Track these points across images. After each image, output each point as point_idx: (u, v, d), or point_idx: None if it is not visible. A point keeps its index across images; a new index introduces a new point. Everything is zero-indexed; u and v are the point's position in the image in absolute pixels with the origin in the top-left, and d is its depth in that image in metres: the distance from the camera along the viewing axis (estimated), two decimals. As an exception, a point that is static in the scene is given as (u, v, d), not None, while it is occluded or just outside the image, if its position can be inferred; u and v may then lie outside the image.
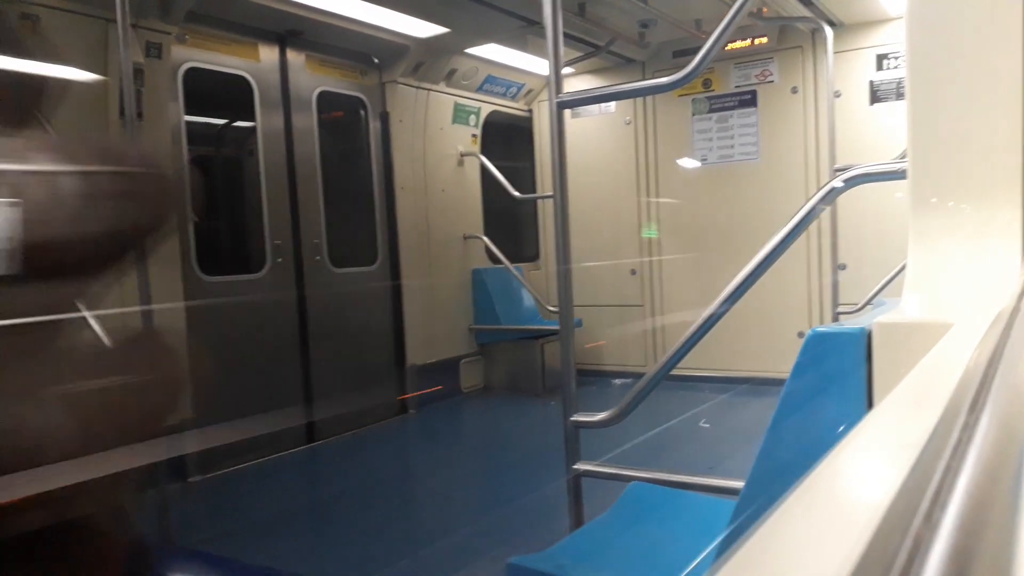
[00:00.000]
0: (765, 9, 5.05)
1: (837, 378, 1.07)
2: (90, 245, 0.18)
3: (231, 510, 3.83)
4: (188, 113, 4.26)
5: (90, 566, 0.20)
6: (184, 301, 4.05)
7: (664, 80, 1.99)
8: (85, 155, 0.18)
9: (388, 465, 4.61)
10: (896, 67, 5.34)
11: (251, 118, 4.65)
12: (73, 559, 0.19)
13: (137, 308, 2.96)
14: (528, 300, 6.49)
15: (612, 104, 6.40)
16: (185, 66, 4.24)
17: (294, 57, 4.90)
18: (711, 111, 6.02)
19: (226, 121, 4.87)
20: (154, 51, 3.83)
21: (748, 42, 5.74)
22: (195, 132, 4.41)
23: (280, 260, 4.71)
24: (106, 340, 0.21)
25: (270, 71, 4.77)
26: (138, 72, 3.61)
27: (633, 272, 6.41)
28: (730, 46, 5.77)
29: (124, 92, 2.99)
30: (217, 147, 4.91)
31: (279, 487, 4.17)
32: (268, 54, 4.75)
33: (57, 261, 0.18)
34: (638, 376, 2.21)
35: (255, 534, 3.44)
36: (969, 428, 0.31)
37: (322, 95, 5.08)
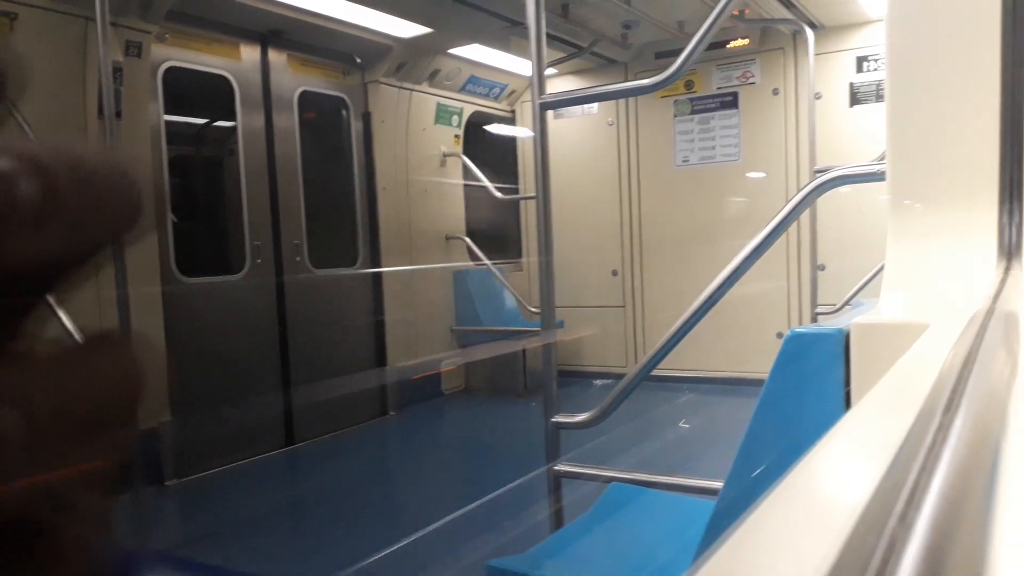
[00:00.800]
0: (747, 11, 5.08)
1: (815, 378, 1.08)
2: (48, 250, 0.18)
3: (208, 513, 3.79)
4: (168, 113, 4.22)
5: (43, 566, 0.19)
6: (162, 303, 4.01)
7: (647, 81, 2.00)
8: (43, 156, 0.18)
9: (367, 468, 4.60)
10: (876, 69, 5.39)
11: (232, 118, 4.62)
12: (22, 559, 0.19)
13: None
14: (510, 301, 6.49)
15: (595, 105, 6.41)
16: (165, 65, 4.21)
17: (276, 57, 4.87)
18: (693, 112, 6.05)
19: (207, 121, 4.83)
20: (134, 50, 3.80)
21: (746, 41, 5.76)
22: (175, 132, 4.37)
23: (260, 261, 4.68)
24: (66, 343, 0.20)
25: (251, 71, 4.73)
26: (117, 71, 3.58)
27: (615, 273, 6.43)
28: (732, 44, 5.80)
29: (103, 91, 2.97)
30: (197, 147, 4.88)
31: (257, 490, 4.14)
32: (249, 54, 4.72)
33: (12, 267, 0.17)
34: (619, 377, 2.22)
35: (232, 538, 3.42)
36: (944, 429, 0.32)
37: (304, 95, 5.06)
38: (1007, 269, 1.04)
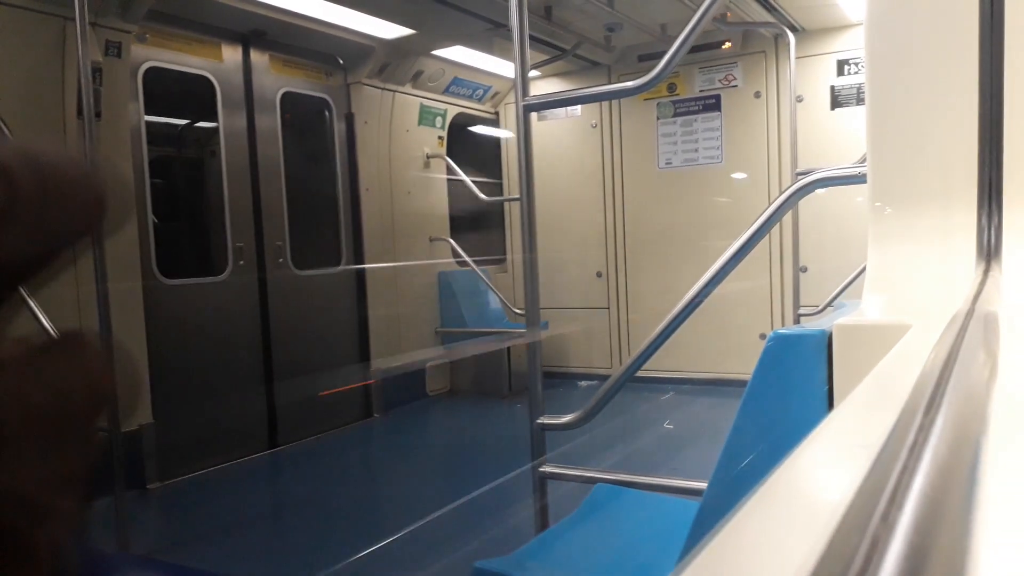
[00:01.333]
0: (729, 14, 5.10)
1: (798, 379, 1.08)
2: (10, 249, 0.17)
3: (190, 516, 3.76)
4: (148, 113, 4.19)
5: (12, 569, 0.19)
6: (143, 304, 3.98)
7: (630, 84, 2.00)
8: (3, 156, 0.17)
9: (352, 470, 4.58)
10: (856, 72, 5.44)
11: (213, 119, 4.59)
12: None
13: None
14: (494, 303, 6.48)
15: (578, 107, 6.42)
16: (145, 65, 4.17)
17: (258, 57, 4.84)
18: (676, 115, 6.07)
19: (188, 121, 4.80)
20: (113, 50, 3.76)
21: (728, 44, 5.79)
22: (156, 132, 4.33)
23: (242, 262, 4.65)
24: (32, 342, 0.20)
25: (233, 71, 4.70)
26: (97, 71, 3.55)
27: (599, 275, 6.44)
28: (729, 44, 5.83)
29: (82, 91, 2.94)
30: (178, 148, 4.84)
31: (240, 493, 4.11)
32: (231, 54, 4.69)
33: None
34: (603, 378, 2.22)
35: (215, 540, 3.39)
36: (925, 429, 0.32)
37: (286, 96, 5.03)
38: (986, 271, 1.05)
